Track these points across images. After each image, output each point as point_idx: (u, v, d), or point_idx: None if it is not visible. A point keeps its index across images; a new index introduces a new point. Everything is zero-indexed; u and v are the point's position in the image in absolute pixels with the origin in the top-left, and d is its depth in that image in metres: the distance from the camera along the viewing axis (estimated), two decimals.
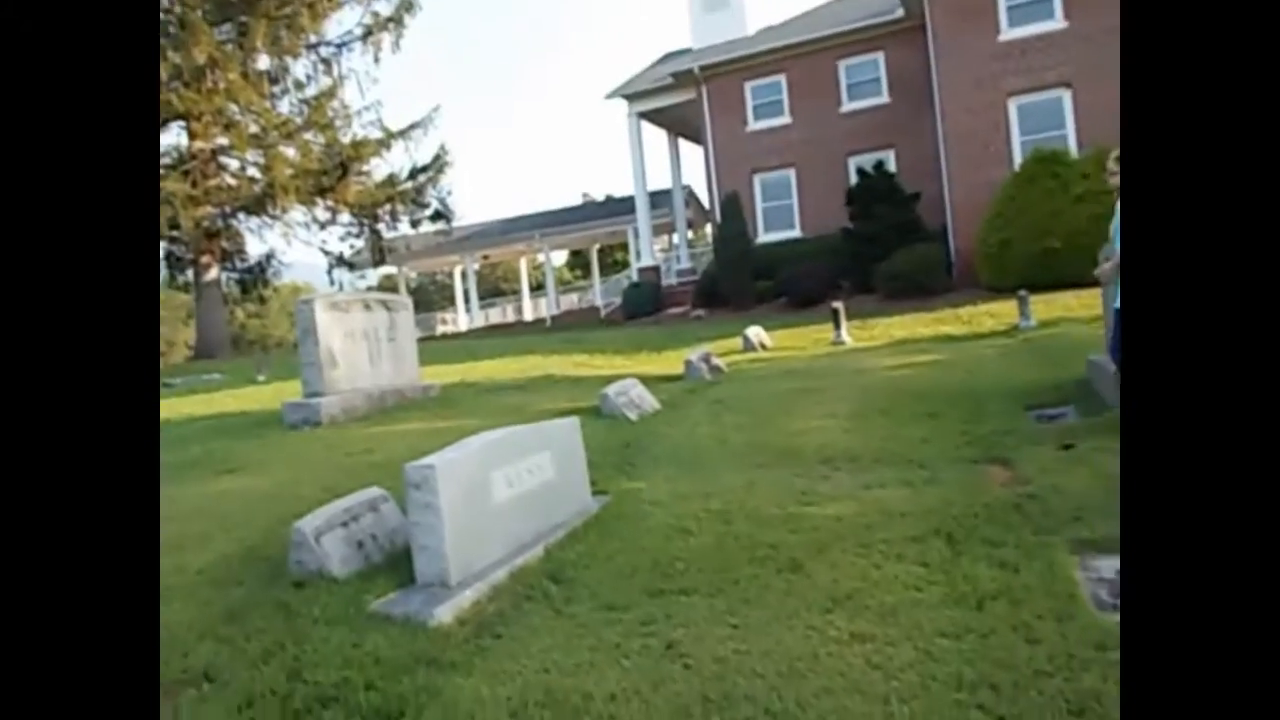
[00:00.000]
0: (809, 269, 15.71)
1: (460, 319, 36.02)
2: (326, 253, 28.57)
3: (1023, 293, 9.68)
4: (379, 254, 28.95)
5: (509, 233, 32.63)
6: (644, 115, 22.68)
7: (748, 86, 19.41)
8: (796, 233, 18.84)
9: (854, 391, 7.23)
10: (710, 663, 2.89)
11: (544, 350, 15.17)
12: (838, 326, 10.69)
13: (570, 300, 37.10)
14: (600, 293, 33.41)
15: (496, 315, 38.19)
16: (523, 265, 39.30)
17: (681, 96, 20.93)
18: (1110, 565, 3.26)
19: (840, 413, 6.52)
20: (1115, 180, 4.77)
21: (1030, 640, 2.73)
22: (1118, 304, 4.89)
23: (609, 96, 22.86)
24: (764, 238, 19.06)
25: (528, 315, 35.15)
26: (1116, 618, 2.83)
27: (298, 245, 39.55)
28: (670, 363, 10.02)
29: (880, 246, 14.94)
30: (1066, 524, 3.63)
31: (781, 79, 18.93)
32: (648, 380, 9.76)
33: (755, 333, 11.12)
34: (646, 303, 21.85)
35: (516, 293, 39.92)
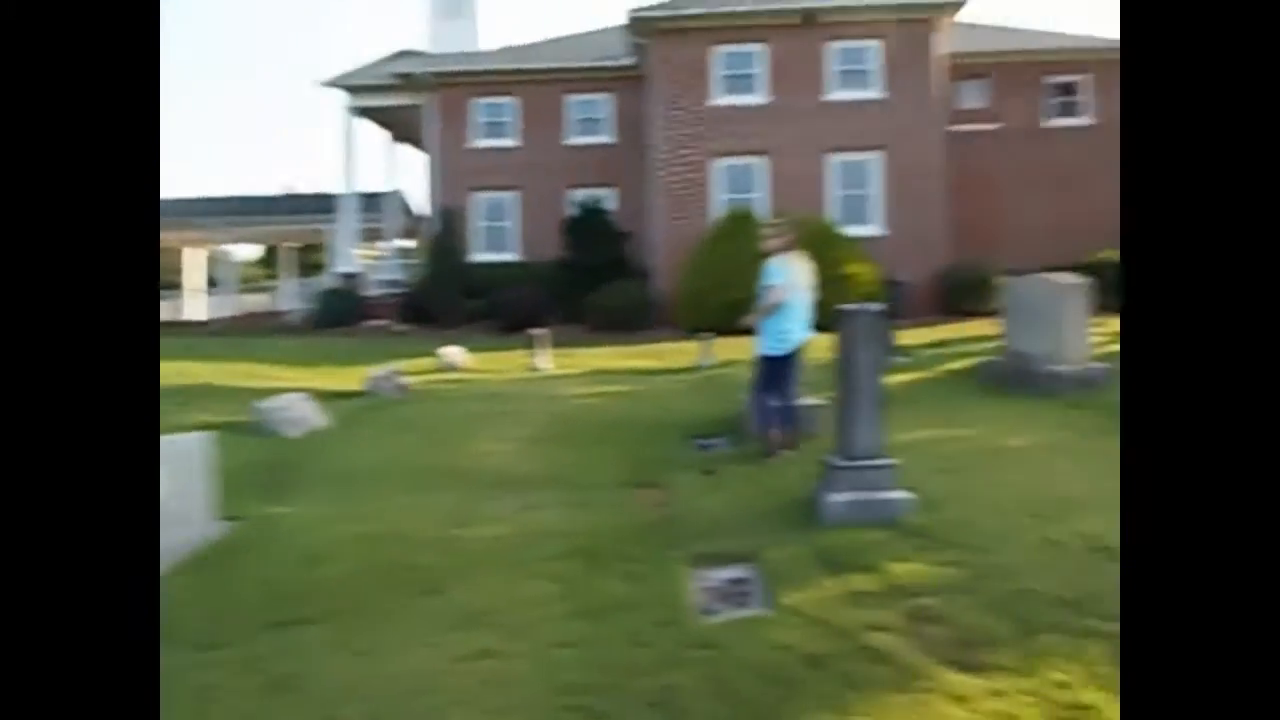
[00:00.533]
0: (522, 293, 16.13)
1: None
2: None
3: (706, 335, 10.92)
4: None
5: (181, 215, 28.90)
6: (363, 111, 21.72)
7: (479, 102, 19.57)
8: (514, 255, 19.24)
9: (540, 417, 7.55)
10: (323, 692, 2.86)
11: (208, 356, 13.64)
12: (536, 353, 11.10)
13: (261, 301, 33.77)
14: (293, 296, 30.86)
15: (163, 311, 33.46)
16: (189, 256, 34.92)
17: (408, 99, 20.41)
18: (721, 575, 3.81)
19: (521, 437, 6.78)
20: (769, 245, 5.73)
21: (635, 644, 3.10)
22: (761, 351, 5.76)
23: (327, 85, 21.57)
24: (480, 257, 19.17)
25: (194, 314, 31.28)
26: (715, 620, 3.32)
27: None
28: (356, 378, 9.62)
29: (592, 279, 15.85)
30: (694, 539, 4.17)
31: (513, 101, 19.39)
32: (326, 396, 9.24)
33: (452, 353, 11.12)
34: (344, 312, 20.63)
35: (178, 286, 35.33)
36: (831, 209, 16.50)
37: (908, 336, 12.16)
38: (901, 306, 15.33)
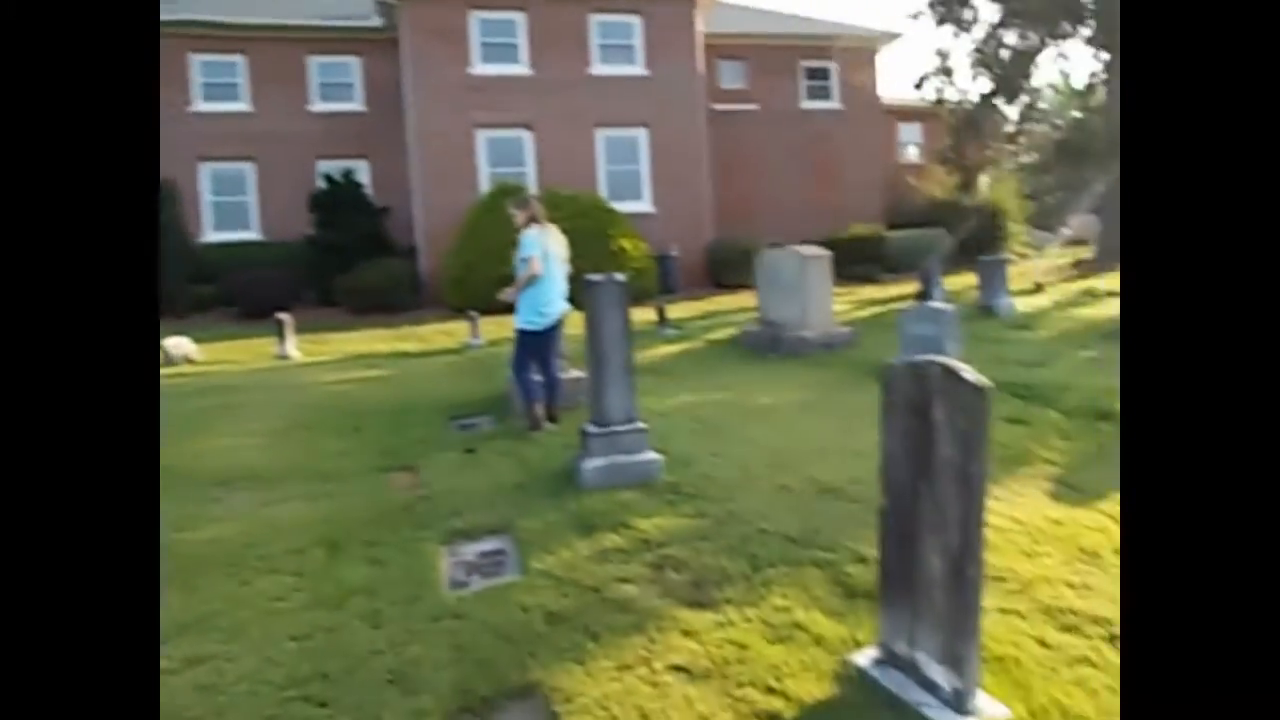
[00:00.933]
0: (266, 276, 14.89)
1: None
2: None
3: (473, 314, 10.77)
4: None
5: None
6: None
7: (200, 60, 17.66)
8: (255, 235, 17.69)
9: (283, 409, 7.09)
10: None
11: None
12: (283, 340, 10.36)
13: None
14: None
15: None
16: None
17: None
18: (473, 549, 3.83)
19: (260, 430, 6.33)
20: (516, 220, 5.78)
21: (375, 626, 3.04)
22: (520, 325, 5.82)
23: None
24: (213, 236, 17.42)
25: None
26: (463, 592, 3.34)
27: None
28: None
29: (346, 258, 15.00)
30: (447, 518, 4.14)
31: (241, 60, 17.71)
32: None
33: (177, 344, 10.06)
34: None
35: None
36: (601, 185, 16.90)
37: (677, 310, 12.85)
38: (673, 280, 16.17)
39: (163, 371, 9.60)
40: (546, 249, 5.76)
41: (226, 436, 6.21)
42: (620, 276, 4.64)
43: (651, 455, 4.57)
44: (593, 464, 4.44)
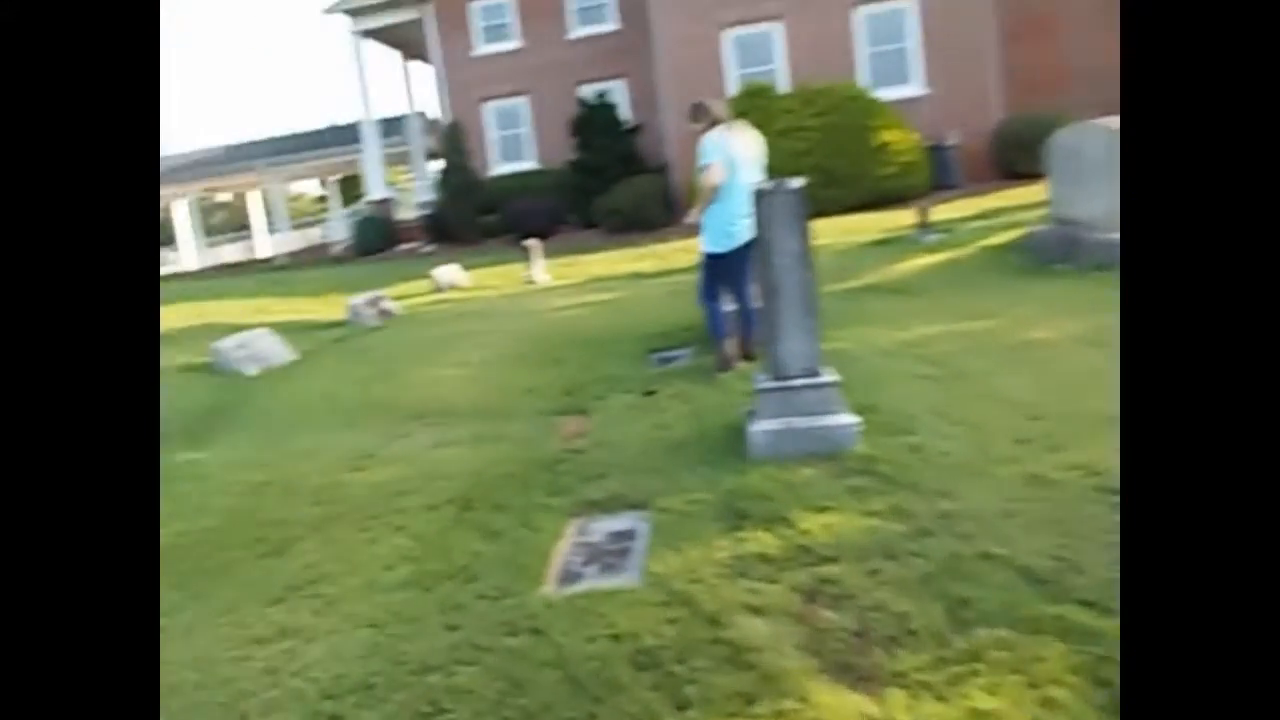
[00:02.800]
0: (532, 203, 15.26)
1: (187, 258, 31.74)
2: None
3: None
4: None
5: (232, 161, 28.90)
6: (369, 34, 20.63)
7: (476, 6, 18.19)
8: (533, 164, 18.23)
9: (506, 337, 6.91)
10: None
11: (235, 294, 13.47)
12: (531, 265, 10.37)
13: (315, 235, 33.93)
14: (340, 227, 30.85)
15: (237, 252, 34.13)
16: (254, 198, 35.22)
17: (408, 14, 19.18)
18: (602, 527, 3.13)
19: (475, 360, 6.16)
20: (694, 128, 4.72)
21: (450, 626, 2.49)
22: (706, 248, 4.87)
23: (328, 11, 20.50)
24: (499, 169, 18.26)
25: (262, 252, 31.73)
26: (566, 592, 2.66)
27: None
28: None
29: (603, 179, 14.81)
30: (589, 482, 3.49)
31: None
32: (313, 327, 8.86)
33: (447, 272, 10.50)
34: (377, 238, 20.33)
35: (257, 227, 35.80)
36: (861, 72, 14.70)
37: (950, 209, 10.80)
38: (951, 173, 13.67)
39: (427, 298, 10.11)
40: (731, 154, 4.68)
41: (446, 366, 6.12)
42: (795, 182, 3.48)
43: (844, 419, 3.43)
44: (763, 427, 3.47)
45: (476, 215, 15.98)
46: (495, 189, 17.05)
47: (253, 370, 6.45)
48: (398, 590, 2.74)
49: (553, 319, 7.62)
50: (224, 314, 10.19)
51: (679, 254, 11.12)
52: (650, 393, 4.69)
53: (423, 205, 22.60)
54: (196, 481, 3.91)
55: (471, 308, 8.89)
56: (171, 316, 10.97)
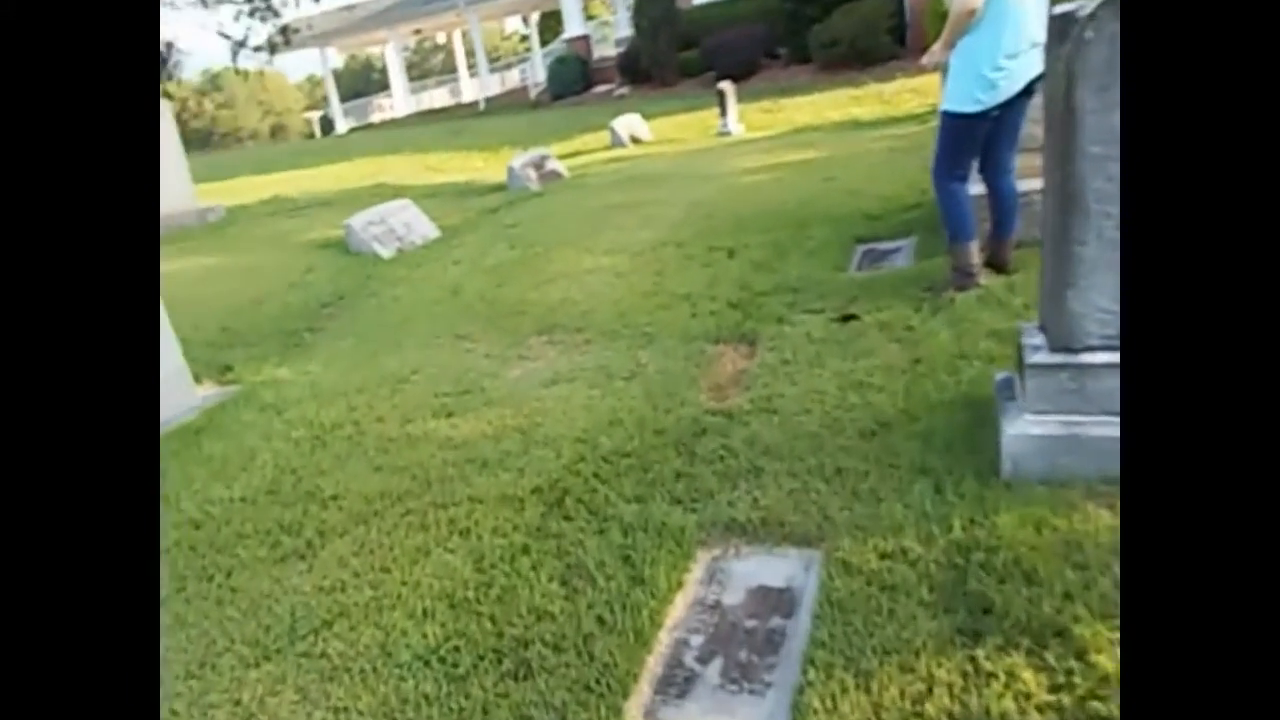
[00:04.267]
0: (737, 36, 13.22)
1: (398, 104, 32.83)
2: (225, 36, 25.51)
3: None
4: (282, 35, 25.75)
5: (434, 1, 28.65)
6: None
7: None
8: None
9: (676, 211, 5.70)
10: None
11: (416, 147, 13.22)
12: (724, 114, 8.80)
13: (514, 78, 33.47)
14: (538, 68, 30.10)
15: (443, 97, 34.77)
16: (456, 38, 35.20)
17: None
18: (744, 575, 2.01)
19: (632, 245, 5.06)
20: None
21: None
22: (946, 105, 3.26)
23: None
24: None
25: (467, 96, 31.96)
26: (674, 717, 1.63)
27: (194, 32, 35.69)
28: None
29: (820, 4, 12.40)
30: (733, 482, 2.35)
31: None
32: (472, 191, 8.15)
33: (627, 123, 9.24)
34: (573, 80, 19.32)
35: (461, 70, 36.12)
36: None
37: None
38: None
39: (600, 155, 9.00)
40: None
41: (596, 253, 5.09)
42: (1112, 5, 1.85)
43: None
44: (1028, 427, 2.08)
45: (675, 51, 14.28)
46: (697, 19, 15.11)
47: (386, 251, 5.80)
48: (410, 673, 1.82)
49: (737, 186, 6.25)
50: (394, 171, 9.81)
51: (906, 96, 9.02)
52: (849, 317, 3.35)
53: (620, 42, 21.05)
54: (262, 415, 3.26)
55: (646, 169, 7.69)
56: (348, 174, 10.83)
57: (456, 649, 1.83)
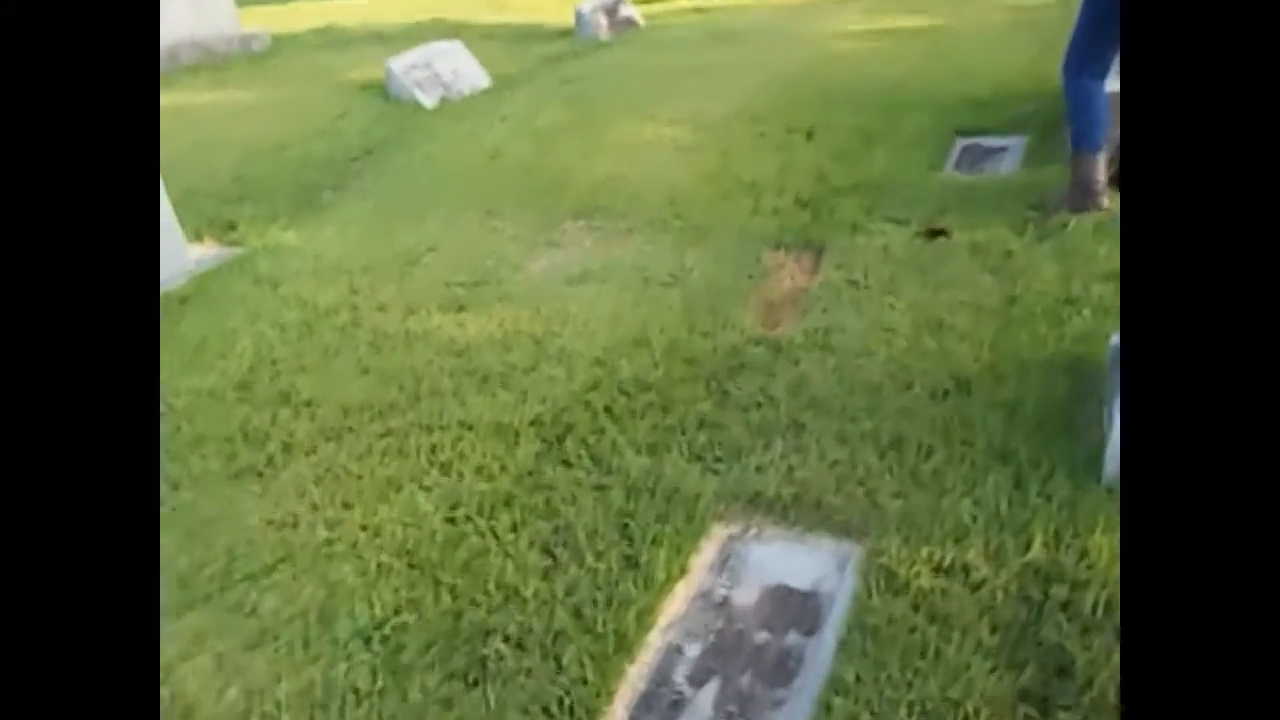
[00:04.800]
0: None
1: None
2: None
3: None
4: None
5: None
6: None
7: None
8: None
9: (756, 78, 4.99)
10: None
11: None
12: None
13: None
14: None
15: None
16: None
17: None
18: (761, 567, 1.65)
19: (702, 116, 4.46)
20: None
21: None
22: None
23: None
24: None
25: None
26: None
27: None
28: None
29: None
30: (765, 440, 1.96)
31: None
32: (537, 35, 7.41)
33: None
34: None
35: None
36: None
37: None
38: None
39: (683, 3, 8.04)
40: None
41: (659, 121, 4.51)
42: None
43: None
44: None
45: None
46: None
47: (429, 100, 5.28)
48: (344, 655, 1.54)
49: (830, 54, 5.44)
50: (455, 5, 9.02)
51: None
52: (937, 233, 2.80)
53: None
54: (254, 289, 2.94)
55: (732, 23, 6.83)
56: (411, 4, 10.06)
57: (404, 628, 1.54)
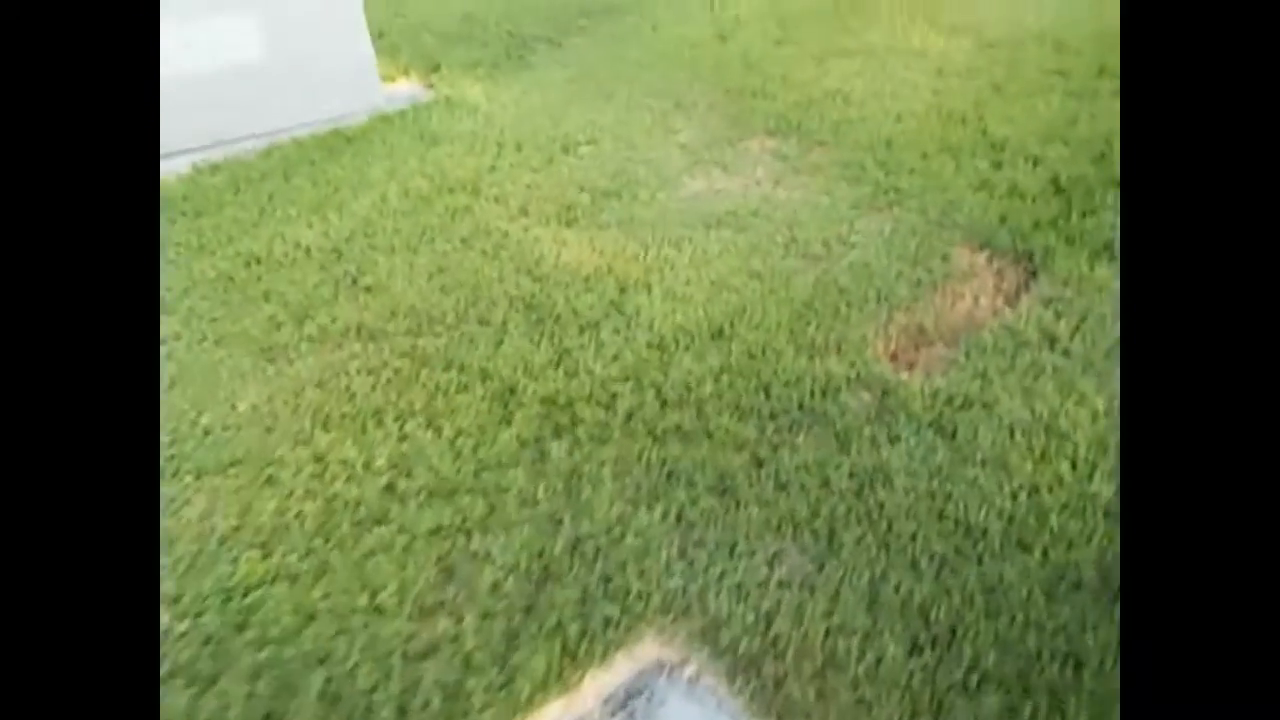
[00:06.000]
0: None
1: None
2: None
3: None
4: None
5: None
6: None
7: None
8: None
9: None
10: None
11: None
12: None
13: None
14: None
15: None
16: None
17: None
18: None
19: (991, 28, 3.49)
20: None
21: None
22: None
23: None
24: None
25: None
26: None
27: None
28: None
29: None
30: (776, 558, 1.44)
31: None
32: None
33: None
34: None
35: None
36: None
37: None
38: None
39: None
40: None
41: (936, 28, 3.63)
42: None
43: None
44: None
45: None
46: None
47: None
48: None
49: None
50: None
51: None
52: None
53: None
54: (410, 145, 2.76)
55: None
56: None
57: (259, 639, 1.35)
